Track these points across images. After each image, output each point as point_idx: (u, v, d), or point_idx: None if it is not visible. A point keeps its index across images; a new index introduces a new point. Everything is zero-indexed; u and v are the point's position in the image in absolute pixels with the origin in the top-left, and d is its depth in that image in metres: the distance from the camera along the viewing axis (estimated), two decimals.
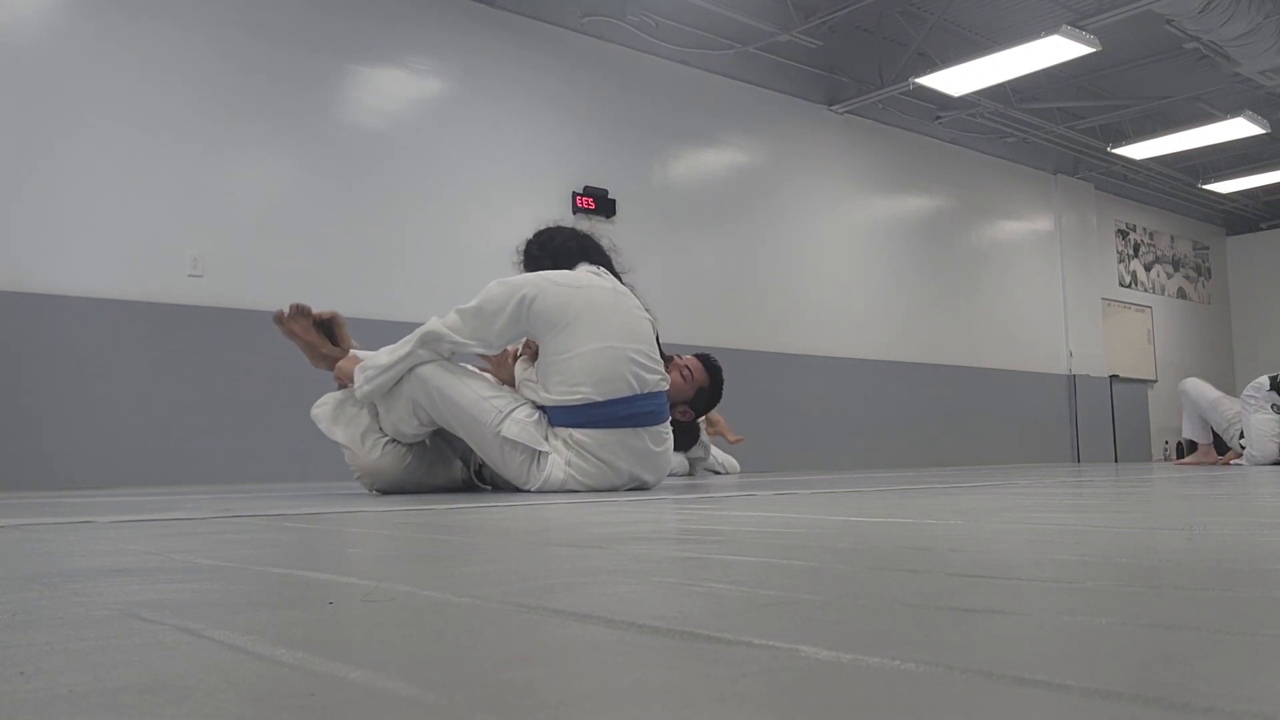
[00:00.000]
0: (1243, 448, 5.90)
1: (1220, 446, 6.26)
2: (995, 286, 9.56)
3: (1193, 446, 6.52)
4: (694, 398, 3.87)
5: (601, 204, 6.58)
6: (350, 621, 0.57)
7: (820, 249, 8.02)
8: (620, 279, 2.94)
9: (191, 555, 0.98)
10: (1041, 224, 10.20)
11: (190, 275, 5.01)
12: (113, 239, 4.80)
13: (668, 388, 2.87)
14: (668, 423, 2.85)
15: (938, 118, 8.90)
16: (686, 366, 3.84)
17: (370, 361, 2.72)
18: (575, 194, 6.48)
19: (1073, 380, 10.20)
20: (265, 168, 5.35)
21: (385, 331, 5.27)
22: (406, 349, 2.69)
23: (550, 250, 2.94)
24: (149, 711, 0.36)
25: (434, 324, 2.70)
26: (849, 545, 0.99)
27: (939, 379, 8.78)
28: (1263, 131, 8.91)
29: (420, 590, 0.69)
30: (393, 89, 5.84)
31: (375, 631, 0.54)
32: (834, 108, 8.17)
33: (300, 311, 2.83)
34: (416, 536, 1.23)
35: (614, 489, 2.69)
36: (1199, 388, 6.26)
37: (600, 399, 2.65)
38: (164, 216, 4.96)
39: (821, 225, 8.06)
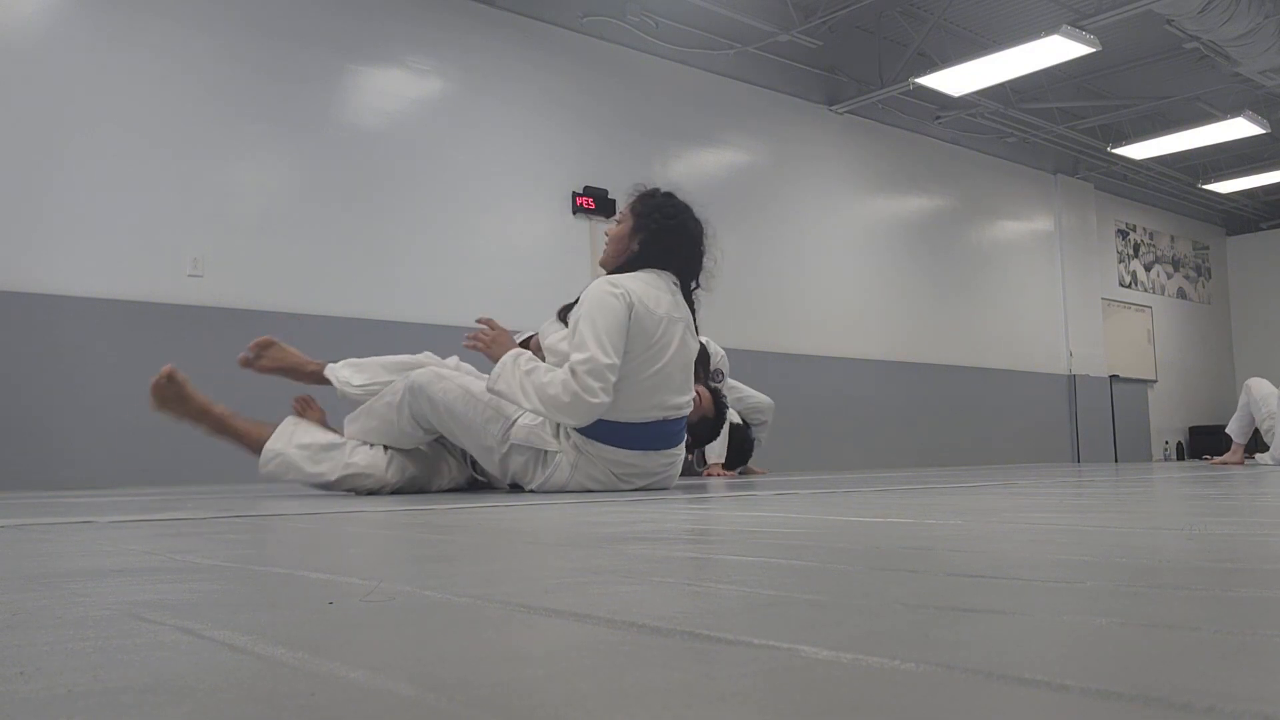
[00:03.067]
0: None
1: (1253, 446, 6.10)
2: (995, 286, 9.55)
3: (1196, 448, 6.45)
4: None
5: (601, 204, 6.58)
6: (350, 621, 0.57)
7: (820, 249, 8.02)
8: (696, 296, 2.90)
9: (191, 555, 0.98)
10: (1041, 224, 10.20)
11: (190, 275, 5.00)
12: (113, 239, 4.79)
13: (690, 410, 2.87)
14: (682, 445, 2.87)
15: (938, 118, 8.90)
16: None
17: (373, 377, 2.77)
18: (575, 194, 6.48)
19: (1073, 380, 10.20)
20: (265, 168, 5.34)
21: (385, 331, 5.30)
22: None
23: (669, 238, 2.82)
24: (149, 711, 0.36)
25: (531, 395, 2.57)
26: (849, 545, 0.99)
27: (939, 379, 8.78)
28: (1263, 131, 8.91)
29: (420, 590, 0.69)
30: (393, 88, 5.84)
31: (375, 631, 0.54)
32: (834, 108, 8.16)
33: (262, 345, 2.88)
34: (416, 536, 1.23)
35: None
36: (1259, 385, 6.08)
37: (625, 421, 2.66)
38: (164, 216, 4.95)
39: (821, 225, 8.06)
